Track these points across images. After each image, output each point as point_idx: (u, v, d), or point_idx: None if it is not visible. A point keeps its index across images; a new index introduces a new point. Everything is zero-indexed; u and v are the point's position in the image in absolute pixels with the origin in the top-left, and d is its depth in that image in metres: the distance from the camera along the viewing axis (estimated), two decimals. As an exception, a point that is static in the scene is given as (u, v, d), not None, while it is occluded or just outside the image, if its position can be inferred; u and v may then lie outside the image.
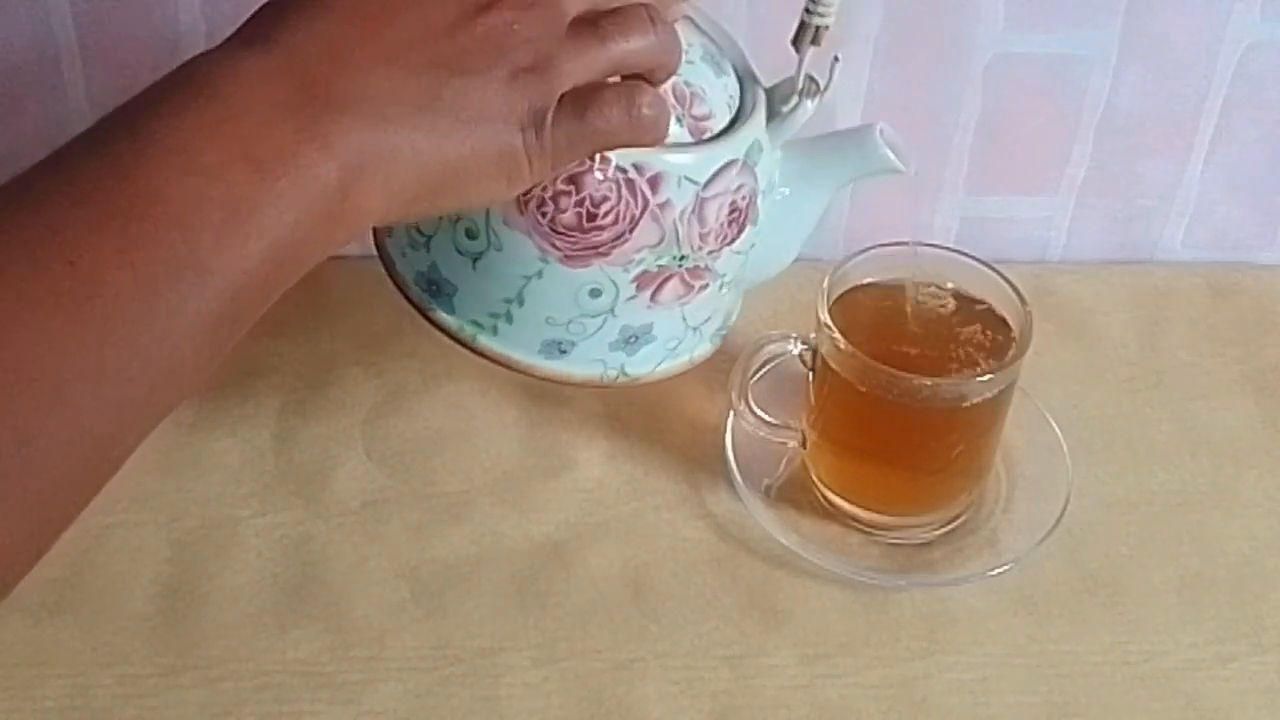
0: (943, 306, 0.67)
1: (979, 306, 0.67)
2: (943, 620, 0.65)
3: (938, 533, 0.68)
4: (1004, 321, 0.66)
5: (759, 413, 0.68)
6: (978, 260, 0.67)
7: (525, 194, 0.57)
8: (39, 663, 0.62)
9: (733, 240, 0.60)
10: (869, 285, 0.67)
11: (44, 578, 0.65)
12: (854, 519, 0.68)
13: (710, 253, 0.60)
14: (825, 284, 0.65)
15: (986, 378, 0.63)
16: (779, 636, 0.64)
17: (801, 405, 0.69)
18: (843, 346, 0.64)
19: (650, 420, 0.72)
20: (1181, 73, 0.76)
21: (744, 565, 0.67)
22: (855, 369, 0.64)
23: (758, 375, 0.68)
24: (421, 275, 0.61)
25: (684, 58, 0.59)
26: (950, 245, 0.68)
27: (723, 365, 0.68)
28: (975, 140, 0.78)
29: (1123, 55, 0.75)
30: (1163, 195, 0.81)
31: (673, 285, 0.60)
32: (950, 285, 0.67)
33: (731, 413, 0.70)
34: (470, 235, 0.59)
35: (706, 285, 0.61)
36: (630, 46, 0.51)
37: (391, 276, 0.62)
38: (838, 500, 0.68)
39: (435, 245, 0.60)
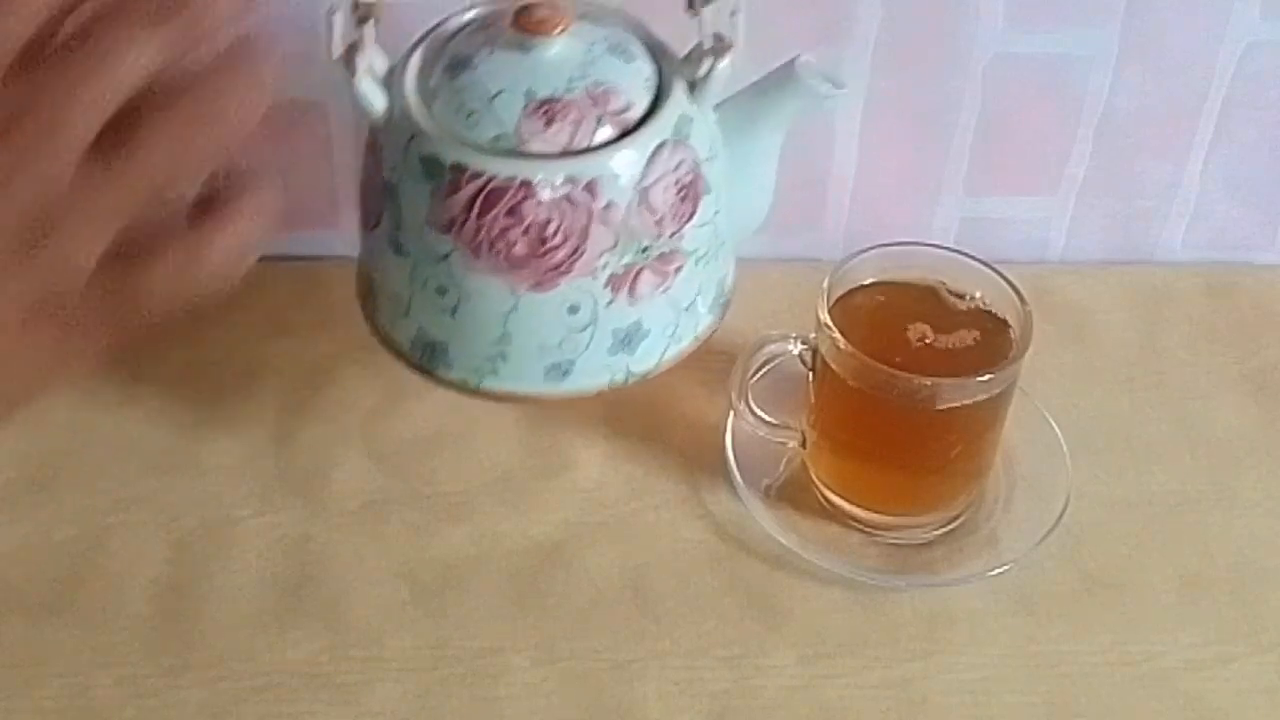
0: (970, 304, 0.67)
1: (983, 309, 0.67)
2: (942, 620, 0.65)
3: (938, 533, 0.68)
4: (1004, 321, 0.66)
5: (759, 413, 0.68)
6: (978, 260, 0.67)
7: (474, 239, 0.57)
8: (39, 663, 0.62)
9: (690, 216, 0.60)
10: (869, 285, 0.67)
11: (44, 578, 0.65)
12: (854, 519, 0.68)
13: (672, 235, 0.59)
14: (825, 284, 0.65)
15: (986, 378, 0.63)
16: (779, 636, 0.64)
17: (801, 405, 0.69)
18: (843, 346, 0.64)
19: (650, 420, 0.72)
20: (1181, 73, 0.76)
21: (744, 565, 0.67)
22: (855, 369, 0.64)
23: (758, 375, 0.68)
24: (414, 342, 0.62)
25: (587, 55, 0.58)
26: (950, 245, 0.68)
27: (723, 365, 0.68)
28: (975, 140, 0.78)
29: (1123, 55, 0.75)
30: (1162, 195, 0.81)
31: (646, 277, 0.60)
32: (978, 294, 0.67)
33: (731, 413, 0.70)
34: (440, 292, 0.59)
35: (680, 266, 0.60)
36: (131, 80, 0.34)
37: (389, 349, 0.63)
38: (837, 500, 0.68)
39: (415, 311, 0.61)
